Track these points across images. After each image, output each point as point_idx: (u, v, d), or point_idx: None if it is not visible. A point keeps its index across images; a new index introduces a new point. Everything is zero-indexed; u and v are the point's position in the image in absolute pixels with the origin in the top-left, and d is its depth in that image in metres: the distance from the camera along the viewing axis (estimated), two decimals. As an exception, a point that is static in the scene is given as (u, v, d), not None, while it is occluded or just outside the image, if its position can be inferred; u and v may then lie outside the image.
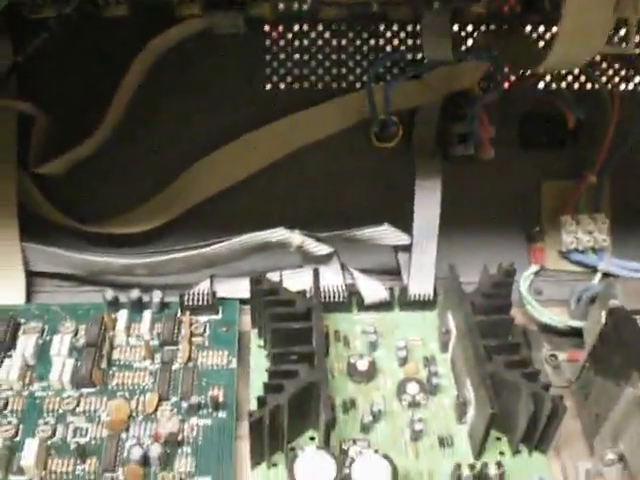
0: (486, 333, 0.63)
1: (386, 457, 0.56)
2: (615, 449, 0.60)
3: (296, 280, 0.70)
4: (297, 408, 0.59)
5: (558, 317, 0.72)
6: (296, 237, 0.69)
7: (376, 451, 0.56)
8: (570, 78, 0.76)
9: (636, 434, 0.58)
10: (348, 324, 0.71)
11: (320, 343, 0.61)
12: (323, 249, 0.70)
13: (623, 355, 0.59)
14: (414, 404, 0.65)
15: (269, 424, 0.57)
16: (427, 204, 0.68)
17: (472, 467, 0.58)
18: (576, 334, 0.71)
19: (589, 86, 0.76)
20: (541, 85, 0.75)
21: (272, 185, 0.75)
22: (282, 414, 0.57)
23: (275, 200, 0.75)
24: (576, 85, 0.76)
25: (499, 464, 0.59)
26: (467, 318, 0.63)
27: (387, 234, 0.69)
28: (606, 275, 0.77)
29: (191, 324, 0.70)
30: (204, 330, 0.70)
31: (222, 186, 0.72)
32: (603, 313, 0.62)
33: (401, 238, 0.70)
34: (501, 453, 0.62)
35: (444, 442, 0.63)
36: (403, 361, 0.68)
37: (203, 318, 0.71)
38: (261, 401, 0.58)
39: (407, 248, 0.71)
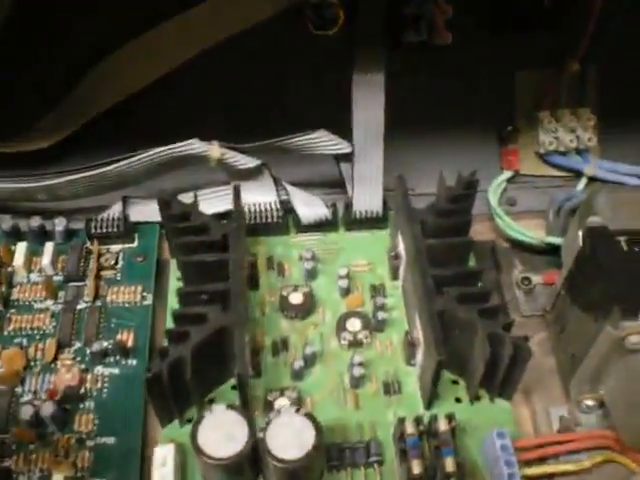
0: (438, 259, 0.52)
1: (310, 417, 0.46)
2: (594, 394, 0.51)
3: (219, 200, 0.60)
4: (212, 356, 0.50)
5: (532, 233, 0.61)
6: (214, 149, 0.57)
7: (298, 410, 0.47)
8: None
9: (618, 379, 0.48)
10: (284, 248, 0.61)
11: (238, 279, 0.51)
12: (249, 162, 0.59)
13: (602, 285, 0.48)
14: (355, 343, 0.55)
15: (171, 380, 0.47)
16: (368, 103, 0.56)
17: (418, 422, 0.49)
18: (554, 252, 0.60)
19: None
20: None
21: (187, 89, 0.63)
22: (186, 368, 0.48)
23: (192, 106, 0.64)
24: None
25: (450, 418, 0.49)
26: (414, 241, 0.53)
27: (323, 142, 0.58)
28: (593, 180, 0.66)
29: (100, 255, 0.60)
30: (116, 261, 0.60)
31: (127, 93, 0.61)
32: (580, 233, 0.51)
33: (340, 146, 0.58)
34: (457, 400, 0.53)
35: (390, 389, 0.53)
36: (345, 291, 0.57)
37: (116, 247, 0.61)
38: (162, 353, 0.48)
39: (349, 157, 0.60)
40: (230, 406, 0.47)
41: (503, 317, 0.51)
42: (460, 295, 0.50)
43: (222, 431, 0.46)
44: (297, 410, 0.47)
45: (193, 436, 0.46)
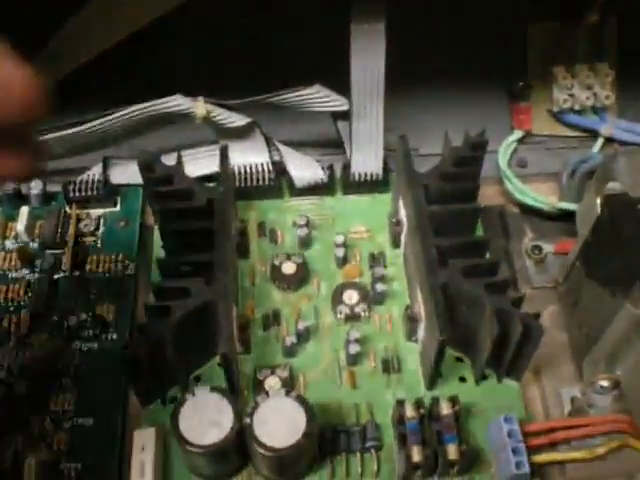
0: (442, 227, 0.48)
1: (301, 400, 0.43)
2: (610, 375, 0.47)
3: (206, 162, 0.56)
4: (197, 332, 0.46)
5: (544, 197, 0.57)
6: (200, 106, 0.53)
7: (288, 392, 0.43)
8: None
9: (637, 360, 0.44)
10: (277, 214, 0.57)
11: (223, 249, 0.47)
12: (238, 120, 0.54)
13: (622, 257, 0.44)
14: (352, 317, 0.51)
15: (151, 359, 0.44)
16: (368, 56, 0.51)
17: (418, 405, 0.45)
18: (567, 218, 0.56)
19: None
20: None
21: (171, 42, 0.59)
22: (167, 345, 0.44)
23: (176, 60, 0.59)
24: None
25: (454, 400, 0.45)
26: (417, 207, 0.48)
27: (318, 98, 0.53)
28: (609, 141, 0.62)
29: (79, 220, 0.56)
30: (97, 227, 0.56)
31: (104, 47, 0.56)
32: (598, 200, 0.47)
33: (337, 102, 0.54)
34: (462, 379, 0.49)
35: (389, 367, 0.49)
36: (342, 261, 0.53)
37: (97, 212, 0.57)
38: (141, 330, 0.44)
39: (347, 115, 0.55)
40: (214, 388, 0.43)
41: (512, 291, 0.47)
42: (466, 267, 0.46)
43: (205, 416, 0.42)
44: (287, 392, 0.43)
45: (174, 421, 0.42)
